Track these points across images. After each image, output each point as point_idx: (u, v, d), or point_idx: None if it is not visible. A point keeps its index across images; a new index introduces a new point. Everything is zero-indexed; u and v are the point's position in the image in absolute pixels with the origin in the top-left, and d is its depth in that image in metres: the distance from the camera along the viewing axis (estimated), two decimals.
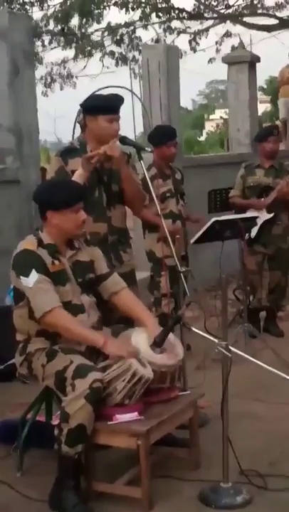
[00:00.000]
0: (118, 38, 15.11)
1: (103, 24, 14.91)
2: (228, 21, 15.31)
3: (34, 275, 3.71)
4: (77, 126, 6.61)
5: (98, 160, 4.24)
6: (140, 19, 14.83)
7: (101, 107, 4.31)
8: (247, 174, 6.92)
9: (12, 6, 14.36)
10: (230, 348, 3.69)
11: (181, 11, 15.02)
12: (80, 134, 4.55)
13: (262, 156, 6.94)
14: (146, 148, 4.65)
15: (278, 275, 6.90)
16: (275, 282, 6.92)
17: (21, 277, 3.75)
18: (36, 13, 14.74)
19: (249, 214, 6.45)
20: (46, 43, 15.23)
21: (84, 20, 14.68)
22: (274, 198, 6.63)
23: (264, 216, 6.63)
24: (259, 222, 6.60)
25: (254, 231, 6.58)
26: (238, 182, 6.95)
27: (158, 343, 3.84)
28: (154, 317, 4.26)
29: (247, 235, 6.30)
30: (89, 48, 15.25)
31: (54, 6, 14.66)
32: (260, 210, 6.63)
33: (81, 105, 4.50)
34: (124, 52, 15.27)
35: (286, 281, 7.03)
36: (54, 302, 3.71)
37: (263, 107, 28.68)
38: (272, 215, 6.65)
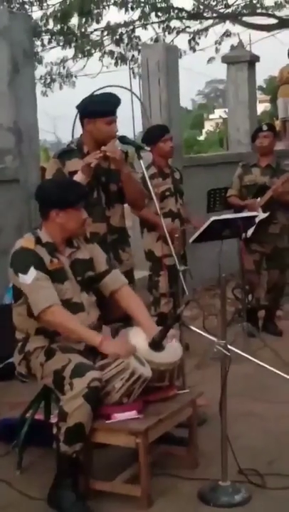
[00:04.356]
0: (117, 37, 15.07)
1: (102, 24, 14.89)
2: (227, 21, 15.29)
3: (32, 272, 3.71)
4: (78, 126, 6.60)
5: (98, 163, 4.25)
6: (139, 19, 14.80)
7: (99, 111, 4.31)
8: (244, 173, 6.93)
9: (12, 6, 14.34)
10: (229, 347, 3.70)
11: (181, 10, 14.99)
12: (80, 134, 4.54)
13: (257, 154, 6.97)
14: (145, 147, 4.66)
15: (276, 274, 6.90)
16: (274, 281, 6.92)
17: (19, 274, 3.75)
18: (36, 13, 14.73)
19: (248, 213, 6.45)
20: (46, 42, 15.22)
21: (83, 19, 14.65)
22: (269, 197, 6.64)
23: (259, 215, 6.63)
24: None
25: (250, 230, 6.58)
26: (235, 181, 6.96)
27: (157, 342, 3.85)
28: (151, 317, 4.26)
29: (243, 234, 6.29)
30: (88, 48, 15.20)
31: (53, 5, 14.62)
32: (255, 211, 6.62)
33: (78, 108, 4.48)
34: (123, 52, 15.23)
35: (284, 280, 7.04)
36: (52, 299, 3.71)
37: (262, 107, 28.74)
38: (267, 214, 6.65)
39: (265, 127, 6.94)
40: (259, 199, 6.70)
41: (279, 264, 6.91)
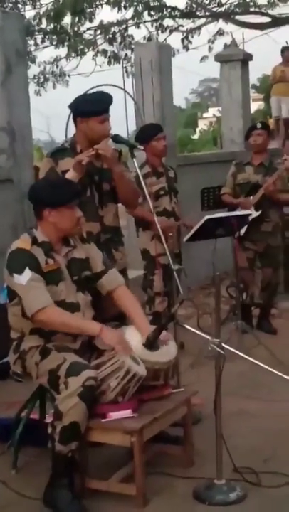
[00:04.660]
0: (110, 36, 15.09)
1: (95, 23, 14.90)
2: (220, 19, 15.31)
3: (28, 273, 3.71)
4: (71, 125, 6.61)
5: (90, 161, 4.24)
6: (132, 17, 14.80)
7: (92, 110, 4.31)
8: (237, 172, 6.94)
9: (4, 5, 14.34)
10: (223, 345, 3.70)
11: (174, 9, 15.00)
12: (74, 133, 4.54)
13: (251, 152, 7.00)
14: (138, 146, 4.66)
15: (269, 272, 6.90)
16: (267, 280, 6.92)
17: (14, 275, 3.75)
18: (29, 12, 14.73)
19: (241, 212, 6.46)
20: (39, 41, 15.22)
21: (76, 18, 14.65)
22: (261, 195, 6.65)
23: (252, 214, 6.63)
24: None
25: (243, 228, 6.59)
26: (229, 180, 6.98)
27: (151, 341, 3.86)
28: (145, 317, 4.27)
29: (237, 232, 6.30)
30: (81, 47, 15.22)
31: (46, 4, 14.63)
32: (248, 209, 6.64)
33: (70, 107, 4.47)
34: (116, 51, 15.25)
35: (277, 278, 7.06)
36: (47, 300, 3.71)
37: (255, 105, 28.71)
38: (259, 212, 6.66)
39: (259, 125, 6.95)
40: (252, 197, 6.71)
41: (272, 262, 6.93)
